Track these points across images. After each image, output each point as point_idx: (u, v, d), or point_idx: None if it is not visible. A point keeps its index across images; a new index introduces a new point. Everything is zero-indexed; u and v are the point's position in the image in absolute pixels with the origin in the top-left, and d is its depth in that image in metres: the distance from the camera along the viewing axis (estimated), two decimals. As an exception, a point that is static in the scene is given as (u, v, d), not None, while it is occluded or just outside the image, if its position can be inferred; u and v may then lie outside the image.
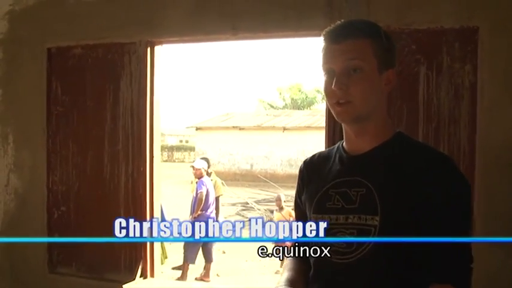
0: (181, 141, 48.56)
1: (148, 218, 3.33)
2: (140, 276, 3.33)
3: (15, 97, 3.65)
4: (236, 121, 26.25)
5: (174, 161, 35.93)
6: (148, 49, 3.29)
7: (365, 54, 1.40)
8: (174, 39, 3.29)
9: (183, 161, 34.61)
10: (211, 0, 3.12)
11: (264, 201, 15.58)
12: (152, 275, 3.38)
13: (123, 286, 3.22)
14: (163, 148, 39.11)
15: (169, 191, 11.25)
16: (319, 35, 3.03)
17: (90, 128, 3.46)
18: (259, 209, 13.59)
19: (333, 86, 1.41)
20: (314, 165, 1.62)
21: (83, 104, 3.48)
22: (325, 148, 2.98)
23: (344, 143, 1.54)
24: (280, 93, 41.04)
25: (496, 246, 2.68)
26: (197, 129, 27.20)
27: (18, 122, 3.66)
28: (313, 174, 1.60)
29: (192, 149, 32.57)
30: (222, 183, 13.10)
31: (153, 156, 3.35)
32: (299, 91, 39.24)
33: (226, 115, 28.47)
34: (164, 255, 7.52)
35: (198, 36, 3.21)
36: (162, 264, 7.66)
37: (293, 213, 1.89)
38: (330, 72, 1.43)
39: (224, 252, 9.38)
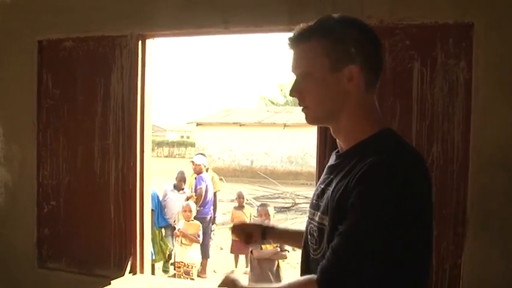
0: (182, 136, 48.54)
1: (138, 213, 3.31)
2: (129, 272, 3.29)
3: (5, 90, 3.61)
4: (236, 117, 26.22)
5: (175, 157, 35.91)
6: (140, 42, 3.25)
7: (312, 57, 1.40)
8: (165, 32, 3.24)
9: (183, 157, 34.56)
10: (202, -6, 3.08)
11: (263, 198, 15.57)
12: (142, 271, 3.34)
13: (112, 282, 3.18)
14: (164, 144, 39.16)
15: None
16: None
17: (81, 121, 3.42)
18: (257, 205, 13.56)
19: (289, 93, 1.51)
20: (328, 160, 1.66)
21: (73, 97, 3.43)
22: (316, 146, 2.98)
23: None
24: (281, 90, 41.03)
25: (490, 247, 2.65)
26: (198, 125, 27.18)
27: (8, 115, 3.62)
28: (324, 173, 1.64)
29: (192, 144, 32.55)
30: (221, 179, 13.09)
31: (143, 151, 3.31)
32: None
33: (226, 111, 28.44)
34: (168, 251, 7.49)
35: (189, 30, 3.16)
36: (166, 260, 7.66)
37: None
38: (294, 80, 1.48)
39: (222, 249, 9.35)
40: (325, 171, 1.53)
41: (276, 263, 6.06)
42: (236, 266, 8.66)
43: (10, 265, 3.63)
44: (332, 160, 1.52)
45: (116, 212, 3.34)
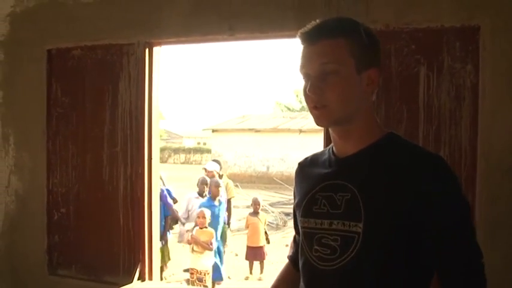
0: (198, 143, 48.67)
1: (146, 220, 3.32)
2: (138, 279, 3.30)
3: (16, 98, 3.65)
4: (252, 123, 26.24)
5: (192, 163, 36.02)
6: (147, 50, 3.27)
7: (340, 55, 1.34)
8: (171, 40, 3.26)
9: (200, 163, 34.66)
10: (208, 1, 3.09)
11: (279, 204, 15.53)
12: (150, 278, 3.35)
13: (120, 289, 3.20)
14: (180, 150, 39.31)
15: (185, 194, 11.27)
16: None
17: (90, 129, 3.44)
18: (273, 212, 13.53)
19: (307, 91, 1.37)
20: (307, 167, 1.58)
21: (82, 105, 3.46)
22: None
23: (334, 146, 1.49)
24: (297, 96, 40.95)
25: (498, 253, 2.61)
26: (213, 131, 27.24)
27: (19, 123, 3.67)
28: (304, 177, 1.56)
29: (209, 151, 32.63)
30: (237, 185, 13.08)
31: (151, 158, 3.32)
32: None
33: (242, 117, 28.48)
34: (168, 258, 7.51)
35: (195, 37, 3.18)
36: (165, 267, 7.66)
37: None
38: (306, 76, 1.38)
39: (237, 255, 9.34)
40: (323, 177, 1.46)
41: None
42: (251, 273, 8.64)
43: (21, 272, 3.66)
44: (330, 165, 1.46)
45: (124, 219, 3.35)
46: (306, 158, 1.62)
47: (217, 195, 7.23)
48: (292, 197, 1.68)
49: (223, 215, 7.39)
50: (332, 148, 1.49)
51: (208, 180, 7.92)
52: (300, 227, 1.50)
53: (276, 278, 1.83)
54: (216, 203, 7.23)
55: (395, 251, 1.31)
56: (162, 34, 3.24)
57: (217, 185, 7.26)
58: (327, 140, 2.90)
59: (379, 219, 1.31)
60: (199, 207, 7.04)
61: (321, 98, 1.35)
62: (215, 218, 7.07)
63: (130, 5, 3.29)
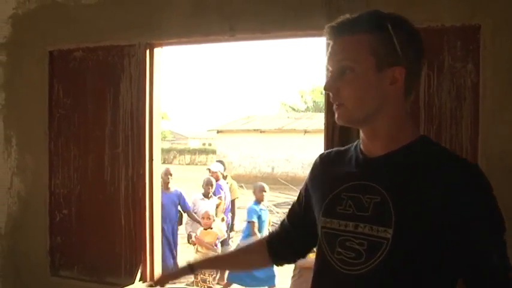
0: (204, 144, 48.71)
1: (148, 221, 3.32)
2: (140, 280, 3.30)
3: (18, 100, 3.66)
4: (257, 124, 26.27)
5: (197, 164, 36.05)
6: (148, 51, 3.27)
7: (357, 52, 1.31)
8: (172, 41, 3.26)
9: (205, 164, 34.70)
10: (208, 2, 3.09)
11: (284, 204, 15.51)
12: (152, 279, 3.35)
13: (121, 290, 3.20)
14: (185, 151, 39.33)
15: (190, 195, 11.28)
16: (318, 35, 3.00)
17: (91, 130, 3.45)
18: (277, 212, 13.51)
19: (323, 88, 1.37)
20: (330, 162, 1.52)
21: (83, 106, 3.47)
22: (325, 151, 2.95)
23: (361, 143, 1.44)
24: (302, 96, 40.98)
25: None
26: (218, 132, 27.29)
27: (21, 125, 3.68)
28: (326, 172, 1.51)
29: (214, 152, 32.67)
30: (242, 186, 13.07)
31: (152, 160, 3.32)
32: (321, 94, 39.13)
33: (247, 118, 28.51)
34: None
35: (196, 38, 3.18)
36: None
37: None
38: (329, 72, 1.37)
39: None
40: (349, 176, 1.41)
41: None
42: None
43: (23, 273, 3.68)
44: (358, 165, 1.41)
45: (126, 220, 3.36)
46: (330, 152, 1.57)
47: (262, 200, 7.21)
48: (302, 188, 1.63)
49: (267, 219, 7.36)
50: (359, 146, 1.44)
51: (214, 181, 7.91)
52: (319, 227, 1.44)
53: (244, 245, 1.86)
54: (262, 207, 7.21)
55: (425, 260, 1.27)
56: (163, 35, 3.24)
57: (262, 190, 7.23)
58: (328, 141, 2.90)
59: (410, 227, 1.26)
60: (250, 211, 7.03)
61: (337, 96, 1.34)
62: (261, 222, 7.06)
63: (131, 6, 3.29)
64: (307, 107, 39.73)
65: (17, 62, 3.62)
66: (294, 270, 5.91)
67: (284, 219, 1.72)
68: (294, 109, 39.60)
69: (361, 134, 1.41)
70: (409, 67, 1.32)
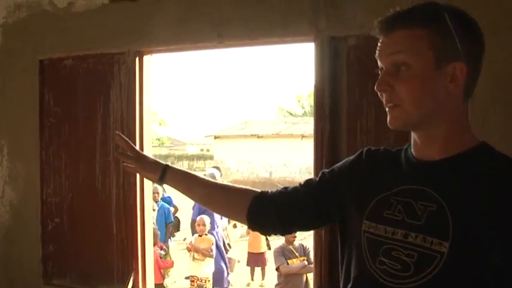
0: (202, 150, 48.75)
1: (139, 228, 3.31)
2: (132, 288, 3.30)
3: (9, 109, 3.66)
4: (254, 129, 26.30)
5: (195, 170, 36.04)
6: (137, 59, 3.27)
7: (415, 46, 1.19)
8: (161, 48, 3.26)
9: (203, 170, 34.68)
10: (196, 9, 3.09)
11: (281, 210, 15.50)
12: (144, 287, 3.34)
13: (113, 298, 3.19)
14: (183, 157, 39.35)
15: (187, 202, 11.31)
16: (305, 41, 2.99)
17: (82, 139, 3.44)
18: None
19: (375, 87, 1.24)
20: (378, 160, 1.39)
21: (74, 115, 3.47)
22: (314, 157, 2.95)
23: (412, 147, 1.31)
24: (299, 101, 41.00)
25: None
26: (216, 137, 27.29)
27: (12, 133, 3.67)
28: (373, 170, 1.37)
29: (212, 157, 32.67)
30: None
31: (143, 167, 3.31)
32: None
33: (244, 123, 28.54)
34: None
35: (184, 45, 3.19)
36: (167, 275, 7.67)
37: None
38: (381, 71, 1.25)
39: (239, 261, 9.35)
40: (400, 179, 1.28)
41: (304, 277, 5.93)
42: (252, 279, 8.65)
43: (16, 282, 3.66)
44: (411, 168, 1.29)
45: (117, 228, 3.35)
46: (378, 149, 1.42)
47: None
48: (328, 170, 1.51)
49: None
50: (410, 150, 1.32)
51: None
52: (361, 231, 1.30)
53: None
54: None
55: (481, 278, 1.13)
56: (152, 43, 3.24)
57: None
58: (317, 147, 2.91)
59: (469, 242, 1.13)
60: None
61: (392, 96, 1.22)
62: None
63: (120, 14, 3.29)
64: (305, 111, 39.73)
65: (7, 71, 3.62)
66: (279, 277, 5.91)
67: (287, 187, 1.59)
68: (291, 114, 39.63)
69: (413, 136, 1.28)
70: (470, 63, 1.21)
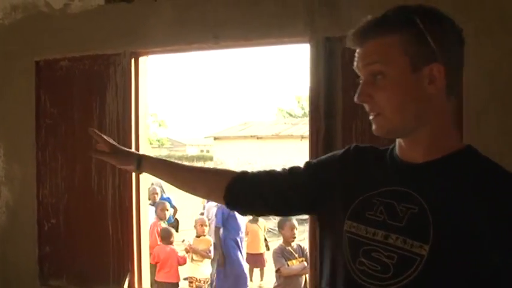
0: (202, 151, 48.74)
1: (135, 229, 3.32)
2: (127, 289, 3.30)
3: (5, 110, 3.66)
4: (254, 130, 26.27)
5: (195, 171, 35.96)
6: (133, 60, 3.28)
7: (388, 54, 1.18)
8: (157, 49, 3.28)
9: (203, 171, 34.62)
10: (192, 11, 3.10)
11: (281, 210, 15.49)
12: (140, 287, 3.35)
13: (108, 299, 3.20)
14: (183, 158, 39.32)
15: (186, 203, 11.30)
16: (300, 42, 2.99)
17: (78, 140, 3.45)
18: (274, 218, 13.50)
19: (355, 99, 1.23)
20: (364, 158, 1.38)
21: (70, 116, 3.48)
22: (309, 158, 2.95)
23: (397, 149, 1.30)
24: (298, 102, 40.97)
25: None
26: (215, 139, 27.27)
27: (9, 134, 3.68)
28: (359, 168, 1.36)
29: (212, 158, 32.67)
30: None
31: (139, 168, 3.31)
32: None
33: (244, 124, 28.52)
34: None
35: (180, 46, 3.20)
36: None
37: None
38: (361, 81, 1.24)
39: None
40: (384, 180, 1.27)
41: (304, 278, 5.91)
42: (251, 280, 8.63)
43: (12, 283, 3.67)
44: (395, 169, 1.28)
45: (113, 228, 3.36)
46: (366, 146, 1.41)
47: None
48: (314, 161, 1.51)
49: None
50: (395, 151, 1.31)
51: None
52: (342, 230, 1.29)
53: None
54: None
55: (461, 282, 1.12)
56: (148, 44, 3.25)
57: None
58: (312, 148, 2.90)
59: (449, 245, 1.12)
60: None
61: (373, 106, 1.22)
62: None
63: (116, 15, 3.30)
64: (304, 112, 39.68)
65: (4, 73, 3.63)
66: (278, 279, 5.90)
67: (269, 171, 1.57)
68: (291, 115, 39.60)
69: (399, 140, 1.28)
70: (448, 62, 1.19)
